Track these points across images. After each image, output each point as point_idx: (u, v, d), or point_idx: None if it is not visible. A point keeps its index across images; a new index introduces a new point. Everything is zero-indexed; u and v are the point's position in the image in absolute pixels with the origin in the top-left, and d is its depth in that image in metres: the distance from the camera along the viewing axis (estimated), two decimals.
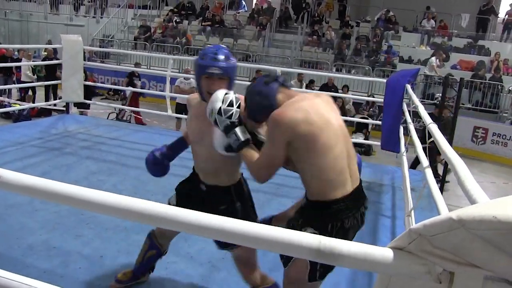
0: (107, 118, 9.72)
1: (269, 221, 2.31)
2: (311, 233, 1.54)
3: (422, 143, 3.45)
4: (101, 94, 14.26)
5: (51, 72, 10.24)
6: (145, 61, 15.46)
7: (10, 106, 9.49)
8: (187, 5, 17.83)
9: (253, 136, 1.99)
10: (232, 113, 1.92)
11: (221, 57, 2.08)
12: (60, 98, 9.04)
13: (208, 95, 2.06)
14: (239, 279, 2.78)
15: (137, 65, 11.82)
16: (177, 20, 16.64)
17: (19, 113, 10.03)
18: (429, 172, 2.71)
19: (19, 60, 12.05)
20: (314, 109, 1.78)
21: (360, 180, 1.93)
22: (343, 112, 9.35)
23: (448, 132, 7.43)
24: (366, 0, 18.22)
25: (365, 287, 2.88)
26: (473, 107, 12.31)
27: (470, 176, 1.57)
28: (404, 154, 4.56)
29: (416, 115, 4.61)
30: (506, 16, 15.33)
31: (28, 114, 10.17)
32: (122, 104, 10.52)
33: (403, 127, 4.93)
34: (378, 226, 3.87)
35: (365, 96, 11.52)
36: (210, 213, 2.16)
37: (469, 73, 13.14)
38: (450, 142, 7.87)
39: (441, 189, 4.79)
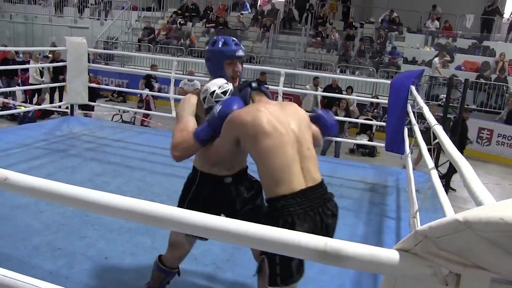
0: (112, 120, 9.75)
1: None
2: None
3: (427, 145, 3.44)
4: (105, 96, 14.30)
5: (59, 74, 10.27)
6: (149, 63, 15.49)
7: (15, 108, 9.53)
8: (191, 7, 17.86)
9: None
10: (221, 99, 2.10)
11: (238, 41, 2.34)
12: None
13: (232, 80, 2.24)
14: (244, 280, 2.78)
15: (153, 67, 11.44)
16: (181, 22, 16.67)
17: (24, 115, 10.08)
18: (434, 174, 2.70)
19: (24, 62, 12.12)
20: (266, 114, 1.93)
21: (322, 181, 2.02)
22: (347, 113, 9.31)
23: (460, 134, 7.41)
24: (370, 1, 18.20)
25: None
26: (478, 108, 12.27)
27: (476, 178, 1.56)
28: (409, 155, 4.55)
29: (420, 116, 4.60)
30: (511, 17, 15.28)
31: (33, 116, 10.22)
32: (139, 107, 10.49)
33: (408, 129, 4.92)
34: (383, 227, 3.86)
35: (369, 98, 11.50)
36: (245, 200, 2.26)
37: (474, 74, 13.10)
38: (461, 145, 7.88)
39: (446, 191, 4.77)
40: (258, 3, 18.89)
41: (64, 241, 3.12)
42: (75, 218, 3.45)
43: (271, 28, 15.91)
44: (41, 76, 11.87)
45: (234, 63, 2.26)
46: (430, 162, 2.93)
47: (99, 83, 12.27)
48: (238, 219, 2.25)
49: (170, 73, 6.86)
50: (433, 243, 0.86)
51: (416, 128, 4.05)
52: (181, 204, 2.31)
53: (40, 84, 11.08)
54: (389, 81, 5.27)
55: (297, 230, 1.66)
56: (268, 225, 1.73)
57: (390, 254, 0.93)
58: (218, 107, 2.05)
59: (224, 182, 2.27)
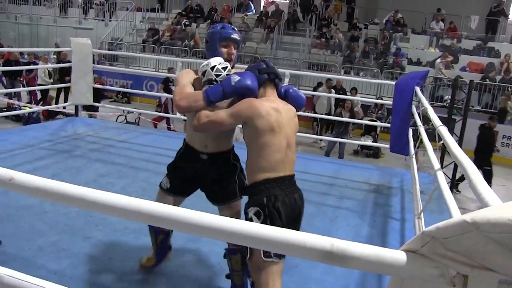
0: (116, 121, 9.77)
1: None
2: (254, 212, 2.09)
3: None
4: (109, 97, 14.34)
5: (65, 75, 10.29)
6: (153, 64, 15.52)
7: (20, 109, 9.57)
8: (195, 8, 17.89)
9: None
10: (221, 74, 2.27)
11: (236, 29, 2.51)
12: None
13: (226, 61, 2.38)
14: (248, 281, 2.78)
15: (170, 70, 11.21)
16: (187, 23, 16.70)
17: (29, 116, 10.12)
18: (440, 174, 2.68)
19: (28, 63, 12.18)
20: (276, 115, 2.18)
21: (294, 176, 2.27)
22: (352, 114, 9.28)
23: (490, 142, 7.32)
24: (374, 2, 18.18)
25: None
26: (483, 109, 12.22)
27: (482, 179, 1.55)
28: (413, 156, 4.54)
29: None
30: None
31: (37, 117, 10.26)
32: (157, 111, 10.49)
33: (412, 130, 4.91)
34: (387, 229, 3.85)
35: (374, 99, 11.48)
36: (215, 179, 2.43)
37: (479, 75, 13.06)
38: (488, 154, 7.81)
39: (451, 192, 4.75)
40: (262, 4, 18.92)
41: (68, 242, 3.13)
42: (79, 218, 3.46)
43: (275, 29, 15.92)
44: (50, 77, 11.93)
45: (229, 46, 2.43)
46: (436, 163, 2.92)
47: (104, 84, 12.30)
48: (209, 192, 2.47)
49: (175, 74, 6.86)
50: (440, 244, 0.86)
51: (422, 130, 4.04)
52: (168, 167, 2.66)
53: (48, 85, 11.12)
54: (393, 82, 5.25)
55: (279, 206, 2.10)
56: (253, 204, 2.12)
57: (397, 255, 0.92)
58: (235, 78, 2.21)
59: (200, 157, 2.49)
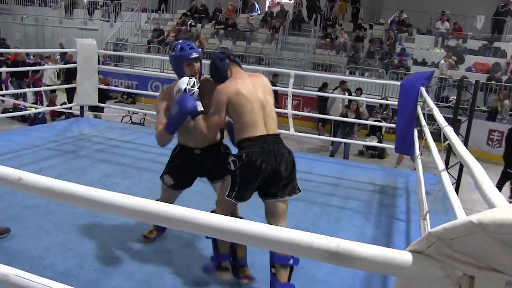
0: (121, 121, 9.79)
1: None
2: (232, 159, 2.53)
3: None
4: (114, 98, 14.38)
5: (71, 76, 10.32)
6: (158, 65, 15.56)
7: (26, 110, 9.61)
8: (200, 8, 17.91)
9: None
10: (194, 91, 2.69)
11: (193, 45, 2.83)
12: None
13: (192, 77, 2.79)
14: (253, 282, 2.78)
15: None
16: (191, 24, 16.72)
17: (35, 116, 10.16)
18: (445, 175, 2.68)
19: (34, 64, 12.23)
20: (243, 86, 2.61)
21: (279, 134, 2.68)
22: (357, 115, 9.24)
23: None
24: (379, 2, 18.14)
25: None
26: (489, 110, 12.17)
27: (488, 180, 1.55)
28: (419, 157, 4.53)
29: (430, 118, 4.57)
30: None
31: (43, 117, 10.30)
32: None
33: (418, 130, 4.89)
34: (392, 229, 3.84)
35: (379, 99, 11.45)
36: (213, 166, 2.86)
37: (485, 75, 12.99)
38: None
39: (457, 192, 4.73)
40: (267, 5, 18.93)
41: (74, 242, 3.14)
42: (85, 218, 3.47)
43: (280, 30, 15.92)
44: (58, 78, 11.98)
45: (191, 65, 2.79)
46: (440, 164, 2.91)
47: (109, 84, 12.34)
48: (208, 175, 2.85)
49: None
50: (446, 245, 0.86)
51: (427, 130, 4.02)
52: (167, 164, 3.04)
53: (55, 85, 11.16)
54: (398, 83, 5.24)
55: (256, 160, 2.52)
56: (235, 156, 2.56)
57: (403, 256, 0.92)
58: (174, 109, 2.68)
59: (194, 153, 2.91)
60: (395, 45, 14.99)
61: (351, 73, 13.95)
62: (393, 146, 5.25)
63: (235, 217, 2.38)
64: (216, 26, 16.83)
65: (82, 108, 6.99)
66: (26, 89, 11.26)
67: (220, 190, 2.74)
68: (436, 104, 4.40)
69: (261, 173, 2.52)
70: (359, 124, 9.79)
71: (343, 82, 10.73)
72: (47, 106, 10.83)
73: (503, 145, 10.96)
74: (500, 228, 0.76)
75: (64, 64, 11.66)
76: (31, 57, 12.84)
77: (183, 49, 2.78)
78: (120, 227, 3.38)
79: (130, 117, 10.47)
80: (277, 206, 2.64)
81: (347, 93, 10.69)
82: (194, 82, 2.71)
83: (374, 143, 9.39)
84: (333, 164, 6.12)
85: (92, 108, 8.62)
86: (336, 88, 11.27)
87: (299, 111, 11.87)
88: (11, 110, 9.94)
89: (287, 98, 6.20)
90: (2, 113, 7.57)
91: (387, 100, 10.49)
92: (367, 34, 15.81)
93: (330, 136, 10.22)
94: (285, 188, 2.60)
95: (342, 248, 0.94)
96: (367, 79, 12.52)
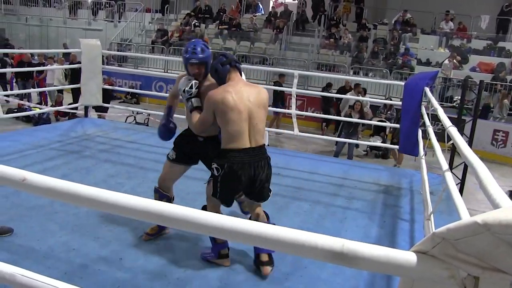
0: (125, 122, 9.81)
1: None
2: (216, 166, 2.76)
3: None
4: (118, 98, 14.42)
5: (78, 77, 10.35)
6: (162, 65, 15.58)
7: (31, 110, 9.64)
8: (204, 8, 17.93)
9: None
10: (191, 92, 2.98)
11: (198, 49, 2.99)
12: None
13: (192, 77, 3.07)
14: (257, 282, 2.78)
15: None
16: (195, 24, 16.74)
17: (39, 117, 10.20)
18: (448, 175, 2.67)
19: (39, 64, 12.28)
20: (232, 95, 2.74)
21: (263, 146, 2.85)
22: (361, 115, 9.23)
23: None
24: (383, 2, 18.11)
25: None
26: (493, 110, 12.13)
27: (493, 180, 1.54)
28: (423, 157, 4.51)
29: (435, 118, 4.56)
30: None
31: (48, 117, 10.34)
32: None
33: (422, 130, 4.88)
34: (396, 230, 3.83)
35: (383, 99, 11.43)
36: (211, 157, 2.99)
37: (489, 75, 12.96)
38: None
39: (461, 193, 4.72)
40: (271, 5, 18.93)
41: (78, 242, 3.15)
42: (89, 219, 3.48)
43: (284, 30, 15.91)
44: (66, 79, 12.02)
45: (193, 67, 3.02)
46: (444, 164, 2.90)
47: (113, 84, 12.37)
48: (208, 164, 3.07)
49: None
50: (451, 245, 0.85)
51: (431, 130, 4.01)
52: (174, 141, 3.30)
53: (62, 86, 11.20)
54: (402, 83, 5.23)
55: (236, 172, 2.73)
56: (218, 163, 2.77)
57: (407, 256, 0.92)
58: (158, 133, 3.31)
59: (198, 139, 3.15)
60: (399, 45, 14.95)
61: (355, 73, 13.93)
62: (397, 146, 5.24)
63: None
64: (220, 27, 16.84)
65: (86, 108, 7.01)
66: (31, 89, 11.30)
67: (208, 186, 2.98)
68: (440, 104, 4.39)
69: (240, 183, 2.78)
70: (363, 124, 9.78)
71: (357, 85, 10.70)
72: (52, 106, 10.86)
73: (508, 145, 10.99)
74: (506, 229, 0.76)
75: (69, 64, 11.71)
76: (36, 57, 12.90)
77: (187, 52, 3.01)
78: (124, 227, 3.39)
79: (134, 117, 10.49)
80: (255, 204, 3.04)
81: (360, 95, 10.55)
82: (193, 84, 2.99)
83: (378, 143, 9.37)
84: (337, 164, 6.11)
85: (96, 108, 8.65)
86: (329, 84, 11.28)
87: (303, 111, 11.87)
88: (16, 110, 9.98)
89: (291, 98, 6.20)
90: (7, 113, 7.60)
91: (391, 100, 10.46)
92: (371, 34, 15.79)
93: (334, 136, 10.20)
94: (260, 194, 2.94)
95: (346, 248, 0.94)
96: (371, 79, 12.51)
